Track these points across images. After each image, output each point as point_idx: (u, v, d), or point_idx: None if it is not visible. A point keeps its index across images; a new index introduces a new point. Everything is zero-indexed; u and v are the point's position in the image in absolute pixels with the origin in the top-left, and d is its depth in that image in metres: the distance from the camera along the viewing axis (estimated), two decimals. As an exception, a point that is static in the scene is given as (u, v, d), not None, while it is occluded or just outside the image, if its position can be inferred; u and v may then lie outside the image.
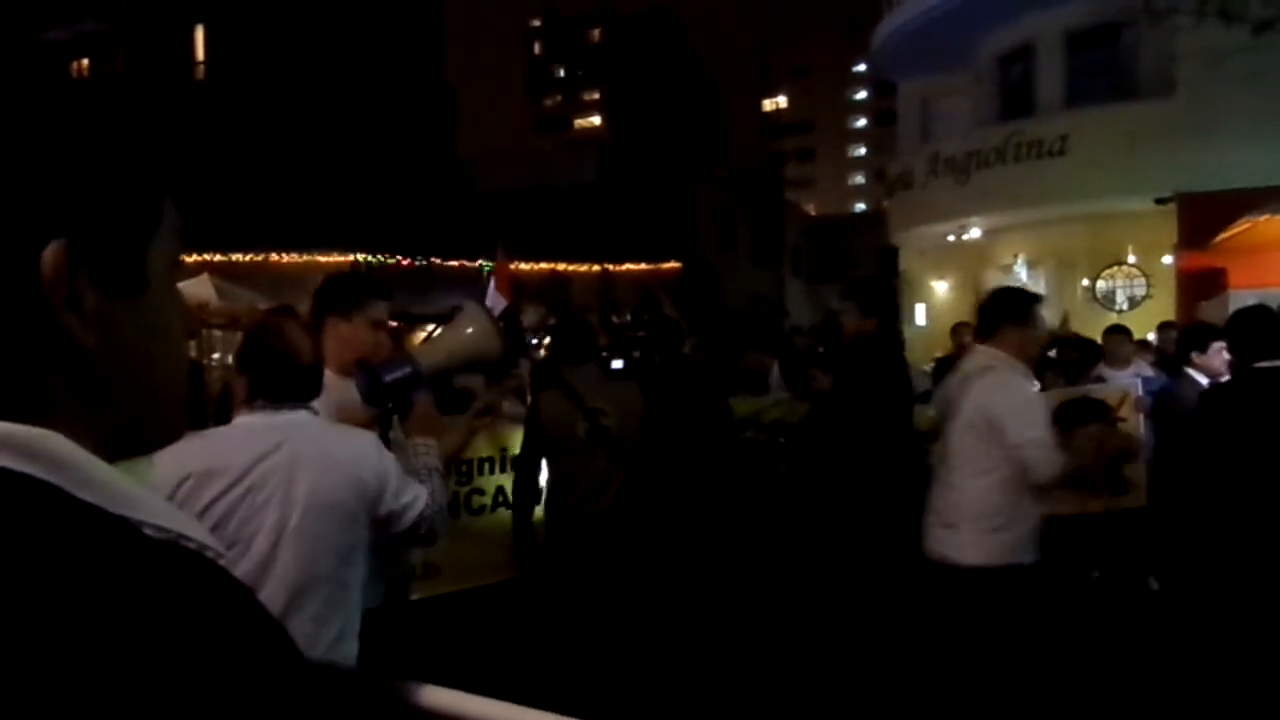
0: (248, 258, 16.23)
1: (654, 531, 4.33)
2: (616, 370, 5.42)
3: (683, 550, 4.71)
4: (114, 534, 0.54)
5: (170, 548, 0.56)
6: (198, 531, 0.61)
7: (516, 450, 4.63)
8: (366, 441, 2.26)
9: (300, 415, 2.19)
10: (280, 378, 2.18)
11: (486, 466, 4.65)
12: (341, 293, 2.85)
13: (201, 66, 23.50)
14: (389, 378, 2.52)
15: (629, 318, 7.28)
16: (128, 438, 0.64)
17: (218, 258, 14.66)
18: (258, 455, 2.07)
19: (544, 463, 4.15)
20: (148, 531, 0.57)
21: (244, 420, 2.16)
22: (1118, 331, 7.02)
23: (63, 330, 0.57)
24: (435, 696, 1.04)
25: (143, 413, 0.65)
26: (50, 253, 0.56)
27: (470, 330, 2.72)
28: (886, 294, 4.55)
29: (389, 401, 2.57)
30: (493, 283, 6.79)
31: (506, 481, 4.69)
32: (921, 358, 10.06)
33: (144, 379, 0.64)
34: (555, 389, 4.04)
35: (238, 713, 0.51)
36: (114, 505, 0.55)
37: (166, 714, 0.48)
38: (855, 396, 4.48)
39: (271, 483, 2.06)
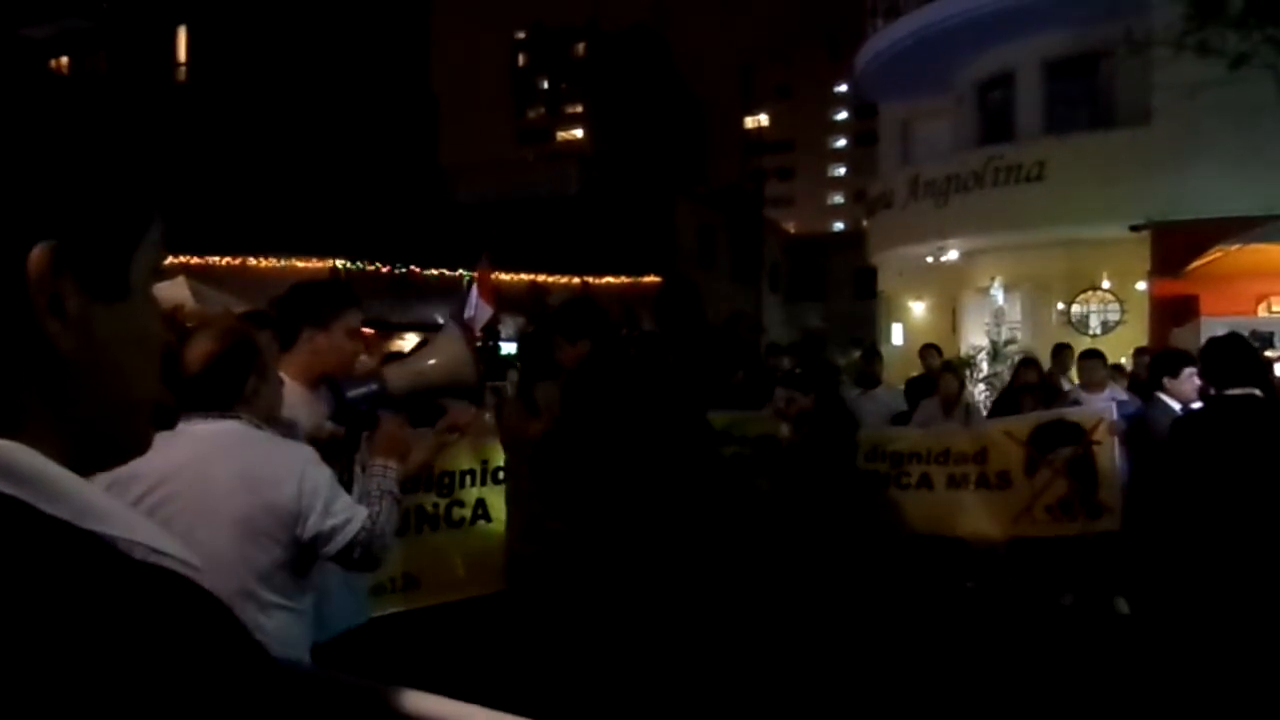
0: (225, 261, 16.12)
1: (627, 547, 4.32)
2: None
3: (661, 565, 4.70)
4: (87, 552, 0.52)
5: (145, 566, 0.54)
6: (173, 546, 0.58)
7: (498, 462, 4.62)
8: (293, 458, 2.15)
9: (227, 425, 2.11)
10: (172, 386, 2.12)
11: (468, 479, 4.62)
12: (315, 303, 2.74)
13: (183, 68, 23.35)
14: (351, 394, 2.45)
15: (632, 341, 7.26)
16: (96, 448, 0.62)
17: (195, 260, 14.55)
18: (173, 465, 2.00)
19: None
20: (122, 547, 0.55)
21: (181, 427, 2.10)
22: (1093, 356, 7.11)
23: (41, 334, 0.55)
24: (427, 703, 1.03)
25: (113, 422, 0.63)
26: (38, 253, 0.54)
27: (443, 357, 2.66)
28: (588, 312, 3.84)
29: (354, 418, 2.49)
30: (475, 291, 6.75)
31: (487, 494, 4.67)
32: (898, 378, 10.14)
33: (117, 387, 0.62)
34: (519, 400, 4.05)
35: None
36: (86, 521, 0.53)
37: None
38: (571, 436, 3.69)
39: (182, 494, 1.99)
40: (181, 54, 23.37)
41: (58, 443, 0.56)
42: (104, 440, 0.62)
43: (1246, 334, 5.88)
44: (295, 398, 2.58)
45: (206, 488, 2.01)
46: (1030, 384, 7.06)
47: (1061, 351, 8.11)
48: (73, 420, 0.59)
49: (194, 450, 2.04)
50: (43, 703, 0.45)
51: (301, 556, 2.14)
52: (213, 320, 2.47)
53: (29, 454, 0.53)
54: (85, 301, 0.57)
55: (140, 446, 0.67)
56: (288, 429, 2.41)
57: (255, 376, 2.19)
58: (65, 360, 0.57)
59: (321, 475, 2.16)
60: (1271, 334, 8.82)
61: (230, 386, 2.14)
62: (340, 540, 2.14)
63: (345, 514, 2.14)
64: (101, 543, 0.53)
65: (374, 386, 2.49)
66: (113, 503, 0.56)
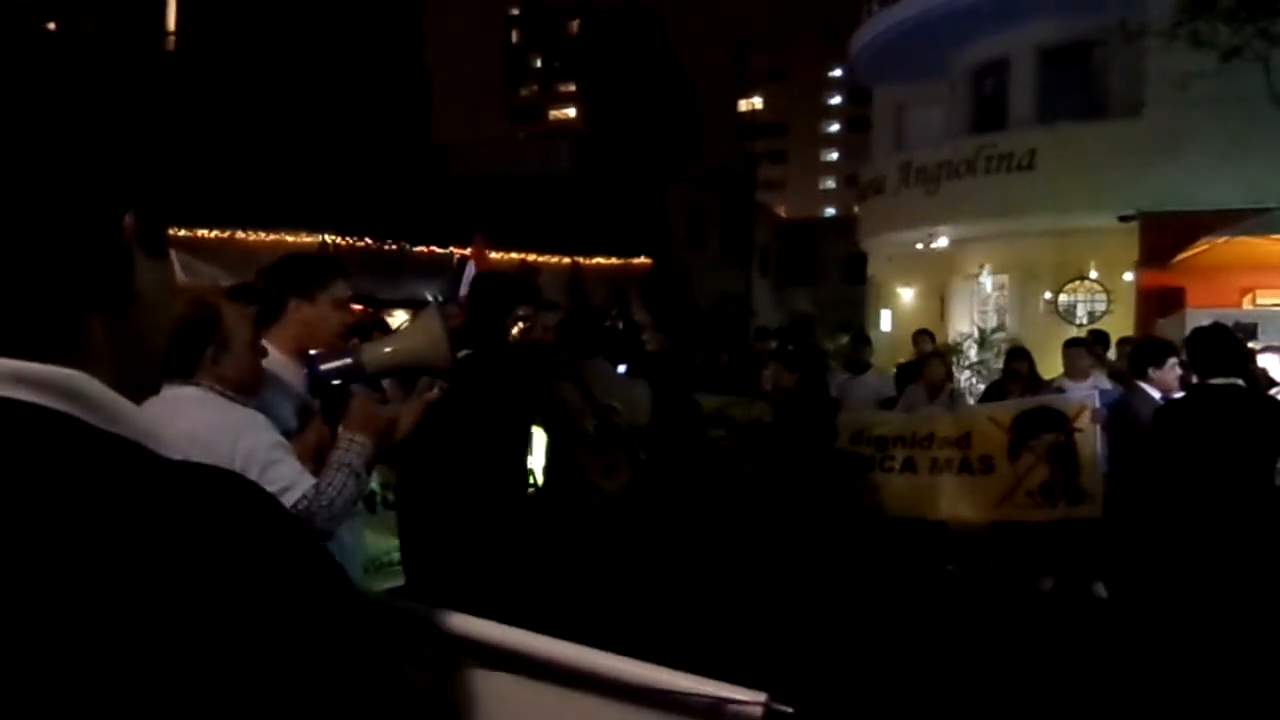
0: (213, 234, 15.96)
1: (661, 523, 4.39)
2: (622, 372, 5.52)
3: (682, 541, 4.78)
4: (151, 462, 0.58)
5: (207, 468, 0.60)
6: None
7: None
8: (232, 421, 2.16)
9: (184, 390, 2.15)
10: None
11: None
12: (301, 273, 2.72)
13: (172, 37, 23.08)
14: (324, 367, 2.46)
15: (621, 324, 7.27)
16: (129, 386, 0.67)
17: (182, 233, 14.43)
18: None
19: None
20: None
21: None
22: (1078, 344, 7.16)
23: (122, 284, 0.65)
24: (459, 623, 1.03)
25: (145, 363, 0.70)
26: (129, 219, 0.65)
27: (418, 338, 2.67)
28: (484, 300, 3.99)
29: (327, 392, 2.50)
30: (471, 269, 6.74)
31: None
32: (886, 363, 10.19)
33: (152, 333, 0.70)
34: (569, 381, 4.08)
35: (301, 617, 0.54)
36: (146, 441, 0.60)
37: (231, 622, 0.50)
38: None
39: None
40: (171, 23, 23.09)
41: (111, 379, 0.63)
42: (135, 379, 0.69)
43: (1232, 325, 5.94)
44: (282, 369, 2.56)
45: None
46: (1019, 374, 7.11)
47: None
48: (119, 363, 0.66)
49: (149, 413, 2.06)
50: (119, 603, 0.49)
51: None
52: (180, 292, 2.47)
53: (94, 382, 0.60)
54: (143, 257, 0.67)
55: (155, 387, 0.75)
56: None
57: (214, 346, 2.23)
58: (131, 307, 0.66)
59: (261, 440, 2.16)
60: (1255, 325, 8.89)
61: (186, 355, 2.19)
62: None
63: (283, 482, 2.12)
64: (162, 458, 0.59)
65: (348, 361, 2.49)
66: (163, 429, 0.64)
